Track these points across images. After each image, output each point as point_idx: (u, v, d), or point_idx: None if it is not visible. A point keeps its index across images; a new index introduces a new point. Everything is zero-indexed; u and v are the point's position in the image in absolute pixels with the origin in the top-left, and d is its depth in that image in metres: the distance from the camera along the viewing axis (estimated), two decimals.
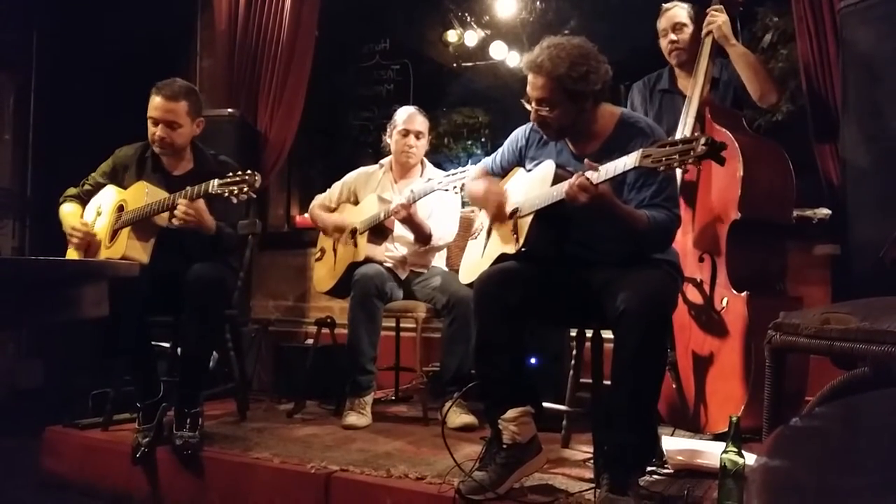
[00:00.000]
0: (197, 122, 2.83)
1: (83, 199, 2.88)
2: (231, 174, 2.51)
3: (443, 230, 3.18)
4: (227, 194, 2.49)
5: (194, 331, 2.66)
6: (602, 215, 1.99)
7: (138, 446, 2.56)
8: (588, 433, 2.41)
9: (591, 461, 2.25)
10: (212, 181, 2.52)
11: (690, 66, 2.84)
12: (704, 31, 2.79)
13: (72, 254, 2.79)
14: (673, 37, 2.92)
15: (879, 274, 2.19)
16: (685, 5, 2.94)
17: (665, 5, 2.98)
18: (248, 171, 2.51)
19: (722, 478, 1.76)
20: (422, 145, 3.26)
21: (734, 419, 1.79)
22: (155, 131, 2.75)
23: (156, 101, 2.75)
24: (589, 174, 1.95)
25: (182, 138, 2.79)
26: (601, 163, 1.96)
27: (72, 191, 2.90)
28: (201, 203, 2.60)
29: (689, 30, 2.91)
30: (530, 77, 2.14)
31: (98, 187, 2.87)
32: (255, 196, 2.54)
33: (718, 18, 2.76)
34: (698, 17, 2.88)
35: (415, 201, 2.97)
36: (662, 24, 2.96)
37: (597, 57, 2.11)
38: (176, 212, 2.55)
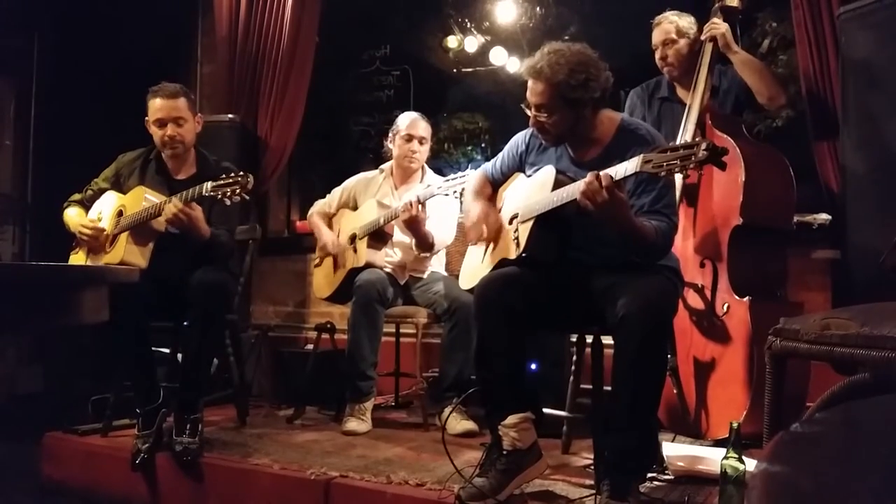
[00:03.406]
0: (197, 119, 2.87)
1: (86, 205, 2.89)
2: (224, 176, 2.53)
3: (440, 234, 3.17)
4: (220, 196, 2.50)
5: (197, 335, 2.65)
6: (613, 224, 1.93)
7: (138, 452, 2.56)
8: (588, 439, 2.40)
9: (592, 467, 2.25)
10: (205, 184, 2.54)
11: (686, 77, 2.84)
12: (705, 37, 2.78)
13: (75, 258, 2.80)
14: (665, 53, 2.89)
15: (879, 279, 2.19)
16: (675, 18, 2.91)
17: (656, 18, 2.94)
18: (241, 173, 2.52)
19: (722, 484, 1.76)
20: (424, 151, 3.26)
21: (735, 425, 1.78)
22: (164, 132, 2.77)
23: (157, 103, 2.78)
24: (606, 172, 1.91)
25: (190, 135, 2.83)
26: (601, 169, 1.95)
27: (75, 196, 2.92)
28: (199, 210, 2.61)
29: (678, 45, 2.87)
30: (530, 83, 2.14)
31: (100, 192, 2.88)
32: (248, 198, 2.54)
33: (721, 27, 2.75)
34: (697, 25, 2.87)
35: (422, 202, 2.95)
36: (654, 39, 2.93)
37: (597, 64, 2.10)
38: (165, 210, 2.55)
